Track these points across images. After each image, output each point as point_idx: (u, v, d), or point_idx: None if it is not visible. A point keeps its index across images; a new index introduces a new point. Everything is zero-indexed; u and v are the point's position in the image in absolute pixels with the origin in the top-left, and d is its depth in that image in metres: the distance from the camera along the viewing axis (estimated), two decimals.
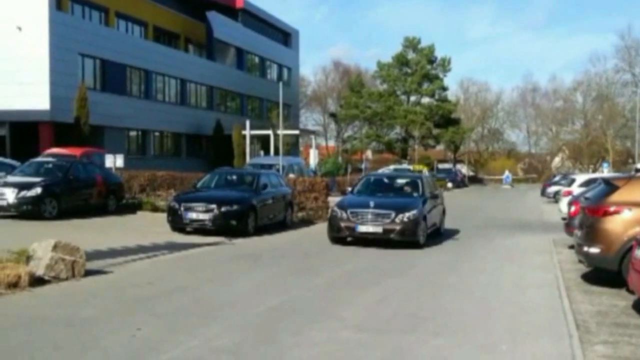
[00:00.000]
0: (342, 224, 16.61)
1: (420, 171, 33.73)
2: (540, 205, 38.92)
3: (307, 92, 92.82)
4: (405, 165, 58.46)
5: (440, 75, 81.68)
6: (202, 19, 54.51)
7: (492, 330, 8.63)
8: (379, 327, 8.55)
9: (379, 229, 16.29)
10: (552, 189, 43.99)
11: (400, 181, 19.38)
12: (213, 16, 54.92)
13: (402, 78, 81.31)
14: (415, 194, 17.94)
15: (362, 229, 16.40)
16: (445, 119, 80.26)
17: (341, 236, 16.81)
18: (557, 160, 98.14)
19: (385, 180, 20.02)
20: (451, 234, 20.26)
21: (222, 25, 55.86)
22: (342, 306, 9.77)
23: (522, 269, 14.10)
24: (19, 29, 36.20)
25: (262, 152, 52.38)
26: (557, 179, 50.67)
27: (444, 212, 20.38)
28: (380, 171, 35.11)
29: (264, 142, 53.64)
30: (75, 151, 28.36)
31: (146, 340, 7.61)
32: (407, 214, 16.43)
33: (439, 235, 19.14)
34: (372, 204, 16.78)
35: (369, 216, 16.48)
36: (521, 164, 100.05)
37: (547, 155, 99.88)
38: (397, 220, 16.33)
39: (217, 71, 55.63)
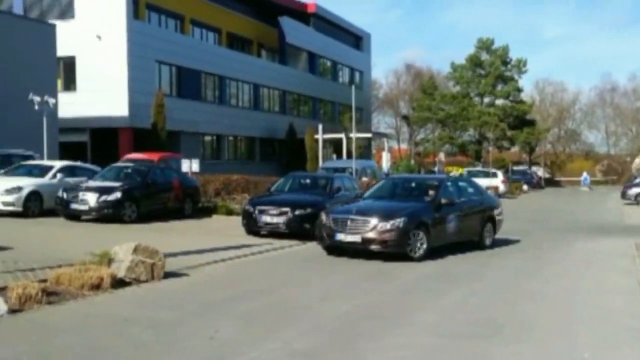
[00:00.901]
0: (324, 232, 14.99)
1: (460, 174, 30.62)
2: (621, 208, 37.80)
3: (379, 95, 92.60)
4: (479, 168, 57.64)
5: (515, 77, 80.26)
6: (274, 24, 55.03)
7: (573, 336, 8.42)
8: (457, 332, 8.44)
9: (357, 238, 14.43)
10: (634, 191, 42.65)
11: (417, 184, 17.54)
12: (285, 21, 55.38)
13: (476, 80, 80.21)
14: (427, 199, 15.80)
15: (341, 237, 14.59)
16: (520, 120, 78.79)
17: (326, 245, 15.14)
18: (637, 161, 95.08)
19: (403, 183, 18.03)
20: (527, 237, 19.85)
21: (294, 30, 56.27)
22: (419, 311, 9.69)
23: (603, 273, 13.72)
24: (99, 38, 37.27)
25: (334, 156, 52.49)
26: (638, 180, 49.11)
27: (492, 221, 17.28)
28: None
29: (336, 145, 53.74)
30: (153, 156, 29.00)
31: (224, 342, 7.71)
32: (391, 222, 14.34)
33: (482, 248, 16.57)
34: (354, 209, 15.02)
35: (348, 223, 14.60)
36: (599, 166, 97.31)
37: (627, 157, 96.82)
38: (378, 228, 14.32)
39: (290, 75, 56.05)
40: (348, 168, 32.47)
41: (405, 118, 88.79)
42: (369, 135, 58.16)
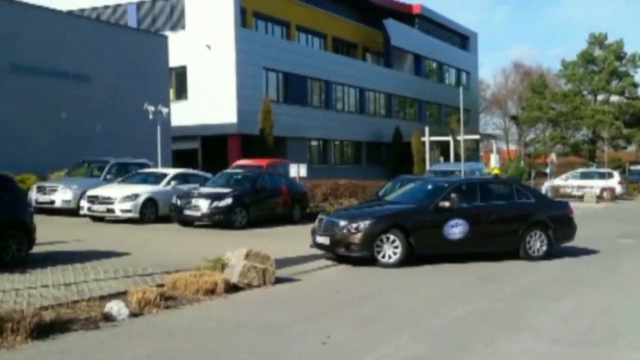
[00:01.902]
0: (313, 235, 14.85)
1: (495, 175, 27.59)
2: None
3: (486, 95, 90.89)
4: (593, 169, 55.63)
5: (631, 72, 77.11)
6: (379, 27, 54.99)
7: None
8: (574, 340, 8.15)
9: (327, 241, 14.08)
10: None
11: (433, 188, 15.87)
12: (390, 24, 55.25)
13: (588, 76, 77.60)
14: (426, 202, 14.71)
15: (319, 239, 14.38)
16: (636, 118, 75.58)
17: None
18: None
19: (421, 187, 16.62)
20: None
21: (399, 32, 56.06)
22: (533, 316, 9.42)
23: None
24: (209, 47, 38.31)
25: (441, 159, 51.92)
26: None
27: (544, 228, 15.00)
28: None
29: (443, 148, 53.16)
30: (262, 162, 29.47)
31: (336, 347, 7.73)
32: (355, 224, 13.77)
33: (527, 259, 14.73)
34: (341, 212, 14.71)
35: (323, 224, 14.46)
36: None
37: None
38: (345, 230, 13.86)
39: (395, 78, 55.87)
40: (456, 171, 31.98)
41: (514, 118, 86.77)
42: (476, 136, 57.22)
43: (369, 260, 13.63)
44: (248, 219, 21.20)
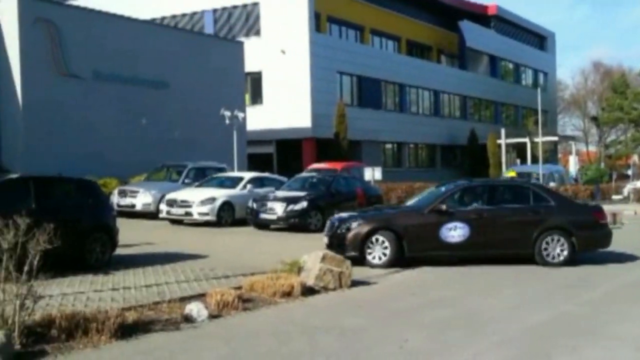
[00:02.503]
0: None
1: (512, 177, 26.31)
2: None
3: (565, 96, 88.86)
4: None
5: None
6: (454, 29, 54.48)
7: None
8: None
9: (327, 240, 14.59)
10: None
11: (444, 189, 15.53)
12: (465, 25, 54.67)
13: None
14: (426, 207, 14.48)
15: (324, 239, 14.86)
16: None
17: None
18: None
19: (440, 188, 16.00)
20: None
21: (474, 34, 55.42)
22: (618, 323, 9.15)
23: None
24: (283, 52, 38.67)
25: (518, 161, 50.99)
26: None
27: (563, 233, 14.26)
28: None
29: (519, 150, 52.22)
30: (336, 165, 29.57)
31: (414, 351, 7.68)
32: (346, 225, 14.23)
33: (544, 264, 14.13)
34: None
35: (328, 225, 15.10)
36: None
37: None
38: (339, 231, 14.29)
39: (470, 80, 55.22)
40: (533, 173, 31.37)
41: (594, 119, 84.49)
42: (554, 138, 55.96)
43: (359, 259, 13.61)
44: (323, 222, 21.22)
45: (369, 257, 13.85)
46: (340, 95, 40.53)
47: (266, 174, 26.17)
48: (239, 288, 10.64)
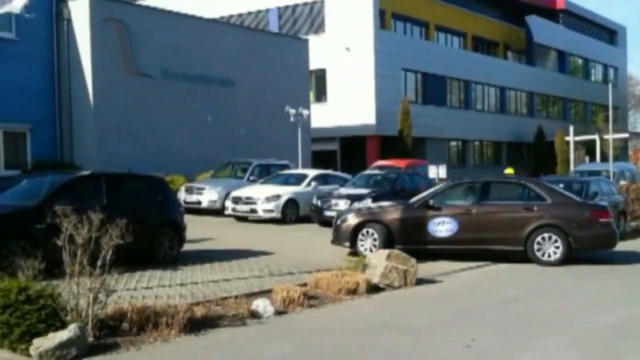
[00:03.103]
0: None
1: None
2: None
3: (635, 92, 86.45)
4: None
5: None
6: (521, 24, 53.56)
7: None
8: None
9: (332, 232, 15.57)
10: None
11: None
12: (533, 20, 53.69)
13: None
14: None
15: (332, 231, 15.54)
16: None
17: None
18: None
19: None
20: None
21: (542, 29, 54.38)
22: None
23: None
24: (348, 49, 38.66)
25: (587, 159, 49.83)
26: None
27: (555, 231, 13.99)
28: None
29: (588, 147, 51.00)
30: (401, 163, 29.42)
31: (482, 350, 7.60)
32: (342, 217, 15.11)
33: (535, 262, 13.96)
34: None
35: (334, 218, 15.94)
36: None
37: None
38: (338, 222, 15.13)
39: (538, 76, 54.20)
40: (603, 171, 30.59)
41: None
42: (625, 135, 54.43)
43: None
44: None
45: (361, 249, 14.38)
46: (404, 92, 40.28)
47: (330, 171, 26.23)
48: (305, 285, 10.71)
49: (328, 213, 20.98)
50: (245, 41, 31.55)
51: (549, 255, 14.01)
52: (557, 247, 14.00)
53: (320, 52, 37.36)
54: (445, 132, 44.26)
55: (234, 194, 22.27)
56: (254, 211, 21.71)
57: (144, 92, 26.72)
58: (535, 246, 14.06)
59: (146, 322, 7.98)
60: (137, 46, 26.52)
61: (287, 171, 25.19)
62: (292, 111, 28.94)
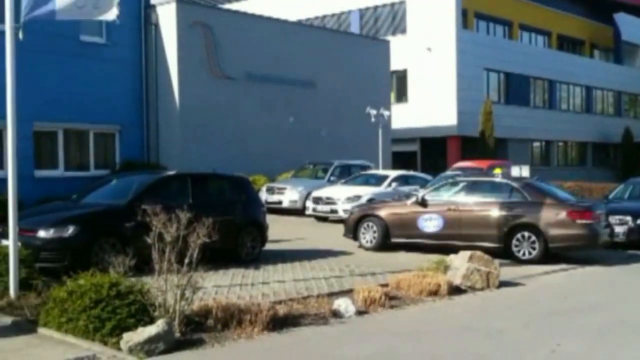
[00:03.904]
0: None
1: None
2: None
3: None
4: None
5: None
6: (608, 21, 52.06)
7: None
8: None
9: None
10: None
11: None
12: (621, 18, 52.12)
13: None
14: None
15: None
16: None
17: None
18: None
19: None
20: None
21: (631, 26, 52.72)
22: None
23: None
24: (429, 50, 38.41)
25: None
26: None
27: (531, 230, 14.31)
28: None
29: None
30: (482, 164, 28.99)
31: (567, 356, 7.46)
32: (349, 212, 17.37)
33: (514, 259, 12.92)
34: None
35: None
36: None
37: None
38: (347, 215, 17.38)
39: (626, 75, 52.57)
40: None
41: None
42: None
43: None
44: None
45: (363, 241, 15.76)
46: (487, 93, 39.78)
47: (411, 172, 26.11)
48: (386, 285, 10.72)
49: None
50: (327, 43, 31.74)
51: (524, 254, 14.30)
52: (534, 246, 14.28)
53: (401, 52, 37.27)
54: (528, 133, 43.45)
55: (315, 194, 22.44)
56: (334, 211, 21.82)
57: (227, 94, 27.23)
58: (514, 244, 14.40)
59: (230, 319, 8.15)
60: (222, 49, 27.04)
61: (367, 172, 25.21)
62: (373, 112, 28.97)
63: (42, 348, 7.34)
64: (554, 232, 14.22)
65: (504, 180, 15.65)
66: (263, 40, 28.51)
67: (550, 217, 14.34)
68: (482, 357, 7.43)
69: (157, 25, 26.08)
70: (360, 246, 15.66)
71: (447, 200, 15.26)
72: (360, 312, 9.25)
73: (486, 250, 13.46)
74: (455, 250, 13.66)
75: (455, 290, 10.83)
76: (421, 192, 16.14)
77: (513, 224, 14.44)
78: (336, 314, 9.07)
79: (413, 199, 15.73)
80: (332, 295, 10.04)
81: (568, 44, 50.90)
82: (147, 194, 11.81)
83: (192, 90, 26.17)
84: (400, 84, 39.74)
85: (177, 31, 25.86)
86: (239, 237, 13.18)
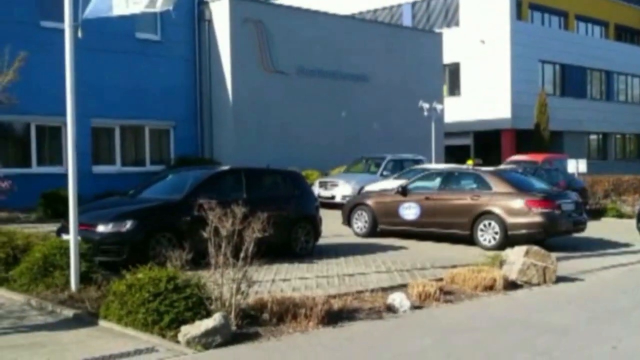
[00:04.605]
0: None
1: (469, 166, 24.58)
2: None
3: None
4: None
5: None
6: None
7: None
8: None
9: None
10: None
11: None
12: None
13: None
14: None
15: None
16: None
17: None
18: None
19: None
20: None
21: None
22: None
23: None
24: (482, 42, 37.97)
25: None
26: None
27: (491, 216, 15.05)
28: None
29: None
30: (537, 157, 28.62)
31: (629, 353, 7.32)
32: (344, 201, 19.12)
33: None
34: None
35: None
36: None
37: None
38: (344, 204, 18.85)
39: None
40: None
41: None
42: None
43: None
44: None
45: (355, 228, 16.97)
46: (541, 85, 39.17)
47: (463, 167, 25.85)
48: (440, 280, 10.66)
49: None
50: (379, 36, 31.62)
51: (489, 241, 14.92)
52: (496, 233, 14.90)
53: (454, 45, 36.95)
54: (585, 125, 42.67)
55: (367, 188, 22.38)
56: None
57: (280, 89, 27.34)
58: (479, 231, 15.14)
59: (285, 313, 8.19)
60: (274, 44, 27.16)
61: (420, 166, 25.05)
62: (426, 106, 28.79)
63: (103, 340, 7.49)
64: (512, 220, 14.84)
65: (473, 171, 16.94)
66: (315, 35, 28.54)
67: (510, 205, 15.02)
68: (539, 353, 7.33)
69: (210, 22, 26.34)
70: (354, 233, 16.83)
71: (424, 190, 16.31)
72: (415, 307, 9.21)
73: (456, 237, 15.45)
74: (433, 236, 15.69)
75: (511, 286, 10.70)
76: (403, 182, 17.58)
77: (478, 212, 15.19)
78: (391, 309, 9.05)
79: (396, 189, 16.96)
80: (387, 289, 10.01)
81: (626, 34, 49.76)
82: (203, 189, 11.93)
83: (245, 86, 26.36)
84: (452, 77, 39.41)
85: (229, 27, 26.08)
86: (292, 231, 13.23)
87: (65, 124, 10.01)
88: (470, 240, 15.10)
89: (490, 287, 10.37)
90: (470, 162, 22.64)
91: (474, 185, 15.91)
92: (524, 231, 14.79)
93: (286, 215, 12.99)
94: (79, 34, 9.34)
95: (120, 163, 24.43)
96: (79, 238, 9.58)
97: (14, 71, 18.57)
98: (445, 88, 36.96)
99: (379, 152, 26.83)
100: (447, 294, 9.93)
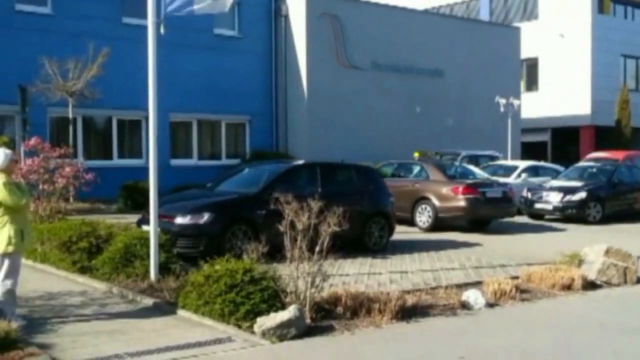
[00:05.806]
0: None
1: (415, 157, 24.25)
2: None
3: None
4: None
5: None
6: None
7: None
8: None
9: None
10: None
11: None
12: None
13: None
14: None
15: None
16: None
17: None
18: None
19: None
20: None
21: None
22: None
23: None
24: (562, 36, 37.12)
25: None
26: None
27: (428, 203, 17.30)
28: None
29: None
30: (618, 154, 27.86)
31: None
32: None
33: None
34: None
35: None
36: None
37: None
38: None
39: None
40: None
41: None
42: None
43: None
44: (603, 214, 20.31)
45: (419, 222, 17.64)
46: (623, 80, 38.03)
47: (541, 163, 25.46)
48: (516, 278, 10.53)
49: (538, 206, 20.51)
50: (455, 31, 31.29)
51: (424, 222, 17.19)
52: (429, 216, 17.14)
53: (532, 39, 36.21)
54: None
55: None
56: None
57: (354, 84, 27.37)
58: (417, 214, 17.39)
59: (359, 307, 8.23)
60: (349, 39, 27.21)
61: (496, 162, 24.74)
62: (503, 101, 28.39)
63: (181, 329, 7.68)
64: (441, 204, 17.09)
65: (417, 162, 19.37)
66: (390, 30, 28.44)
67: (441, 192, 17.22)
68: (619, 353, 7.17)
69: (287, 17, 26.57)
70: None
71: (386, 177, 17.37)
72: (490, 305, 9.12)
73: (403, 220, 16.71)
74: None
75: (589, 285, 10.47)
76: None
77: (416, 197, 17.44)
78: (465, 306, 8.98)
79: None
80: (461, 286, 9.95)
81: None
82: (278, 183, 12.07)
83: (320, 81, 26.50)
84: (530, 72, 38.66)
85: (306, 22, 26.25)
86: (366, 226, 13.26)
87: (145, 118, 10.35)
88: (410, 221, 17.21)
89: (568, 287, 10.17)
90: (416, 154, 24.19)
91: (417, 174, 18.39)
92: (450, 214, 17.11)
93: (361, 210, 13.01)
94: (162, 30, 9.56)
95: (197, 156, 24.91)
96: (159, 229, 9.82)
97: (98, 66, 19.24)
98: (522, 83, 36.31)
99: (453, 148, 26.63)
100: (523, 292, 9.78)
